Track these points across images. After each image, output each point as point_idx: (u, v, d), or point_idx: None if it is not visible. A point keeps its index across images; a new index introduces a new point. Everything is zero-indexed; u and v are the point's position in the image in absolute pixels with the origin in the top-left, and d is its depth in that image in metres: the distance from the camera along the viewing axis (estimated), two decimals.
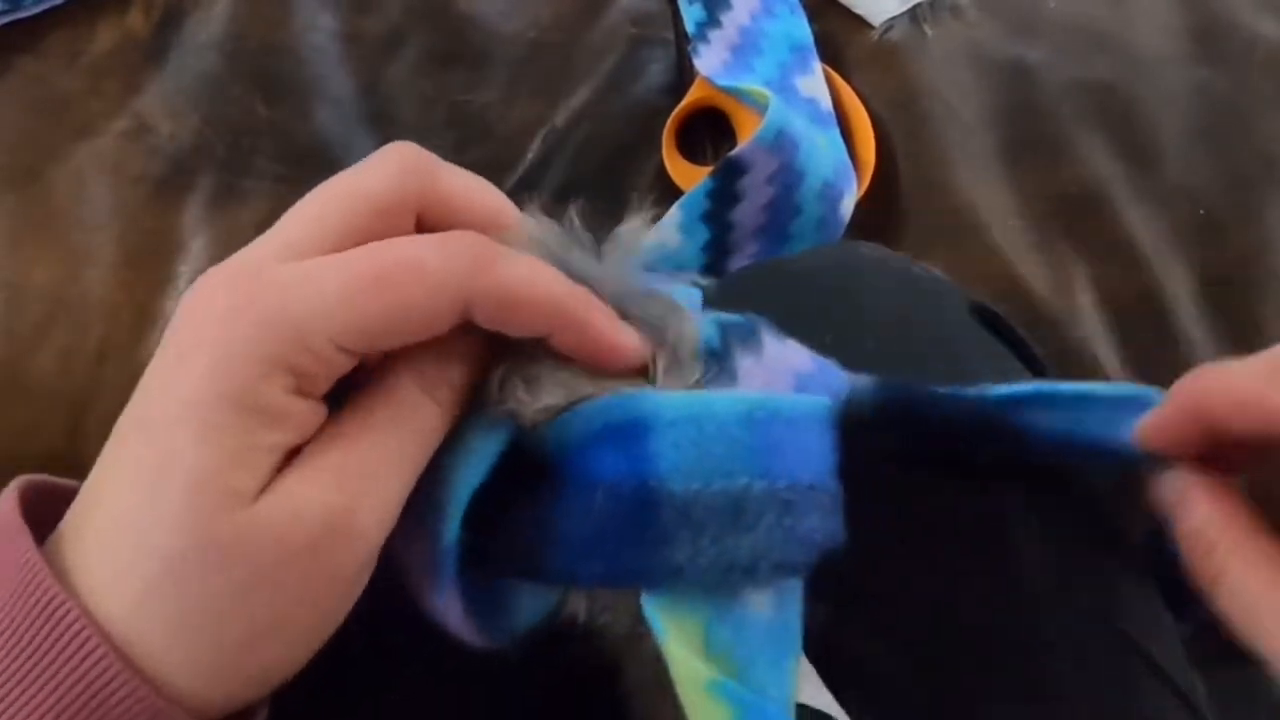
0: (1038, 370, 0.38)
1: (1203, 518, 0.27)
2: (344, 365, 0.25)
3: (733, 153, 0.51)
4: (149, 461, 0.24)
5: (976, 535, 0.32)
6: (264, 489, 0.24)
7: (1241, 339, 0.55)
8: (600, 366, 0.26)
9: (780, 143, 0.51)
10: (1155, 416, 0.28)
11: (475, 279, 0.25)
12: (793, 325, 0.34)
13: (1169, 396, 0.28)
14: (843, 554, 0.26)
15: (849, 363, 0.30)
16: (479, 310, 0.25)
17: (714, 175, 0.52)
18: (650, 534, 0.24)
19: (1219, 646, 0.27)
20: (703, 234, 0.52)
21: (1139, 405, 0.29)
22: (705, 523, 0.24)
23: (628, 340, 0.27)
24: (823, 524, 0.26)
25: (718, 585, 0.25)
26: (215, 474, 0.23)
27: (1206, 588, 0.26)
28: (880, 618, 0.32)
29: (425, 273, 0.24)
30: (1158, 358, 0.54)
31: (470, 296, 0.25)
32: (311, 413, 0.25)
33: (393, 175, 0.26)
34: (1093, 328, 0.54)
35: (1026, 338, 0.39)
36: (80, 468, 0.52)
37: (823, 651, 0.31)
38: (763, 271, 0.42)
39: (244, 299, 0.24)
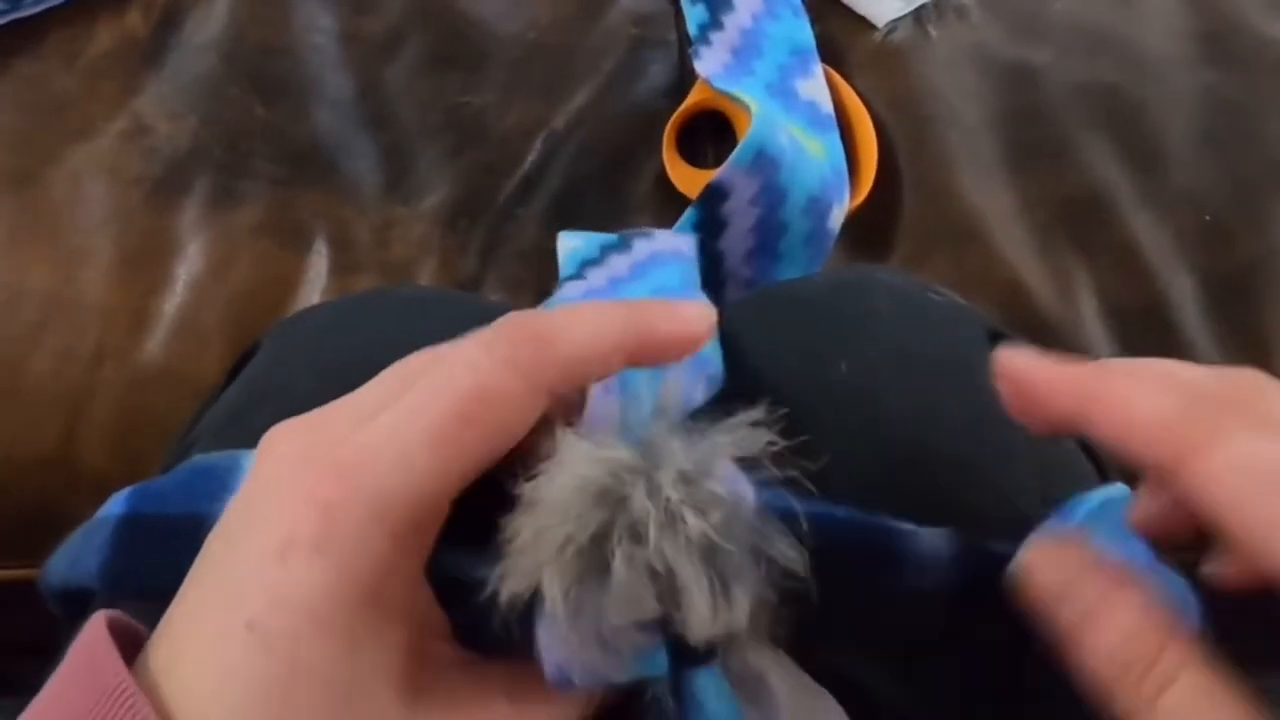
0: None
1: (1136, 617, 0.24)
2: (444, 513, 0.24)
3: (712, 180, 0.51)
4: (266, 676, 0.22)
5: None
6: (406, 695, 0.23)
7: (1247, 346, 0.54)
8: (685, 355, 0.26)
9: (759, 163, 0.51)
10: (1044, 375, 0.26)
11: (544, 370, 0.24)
12: (807, 353, 0.34)
13: (1053, 369, 0.26)
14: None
15: (865, 393, 0.29)
16: (560, 388, 0.24)
17: (697, 205, 0.52)
18: None
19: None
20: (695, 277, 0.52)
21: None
22: None
23: (692, 315, 0.26)
24: None
25: None
26: (356, 688, 0.22)
27: (1142, 697, 0.23)
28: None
29: (497, 391, 0.23)
30: None
31: (547, 385, 0.24)
32: (427, 594, 0.24)
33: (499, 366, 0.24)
34: (1096, 334, 0.54)
35: None
36: (75, 470, 0.52)
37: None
38: (777, 297, 0.41)
39: (338, 486, 0.22)
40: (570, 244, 0.52)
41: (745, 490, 0.23)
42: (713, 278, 0.53)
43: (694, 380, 0.47)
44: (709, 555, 0.22)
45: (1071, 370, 0.25)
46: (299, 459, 0.23)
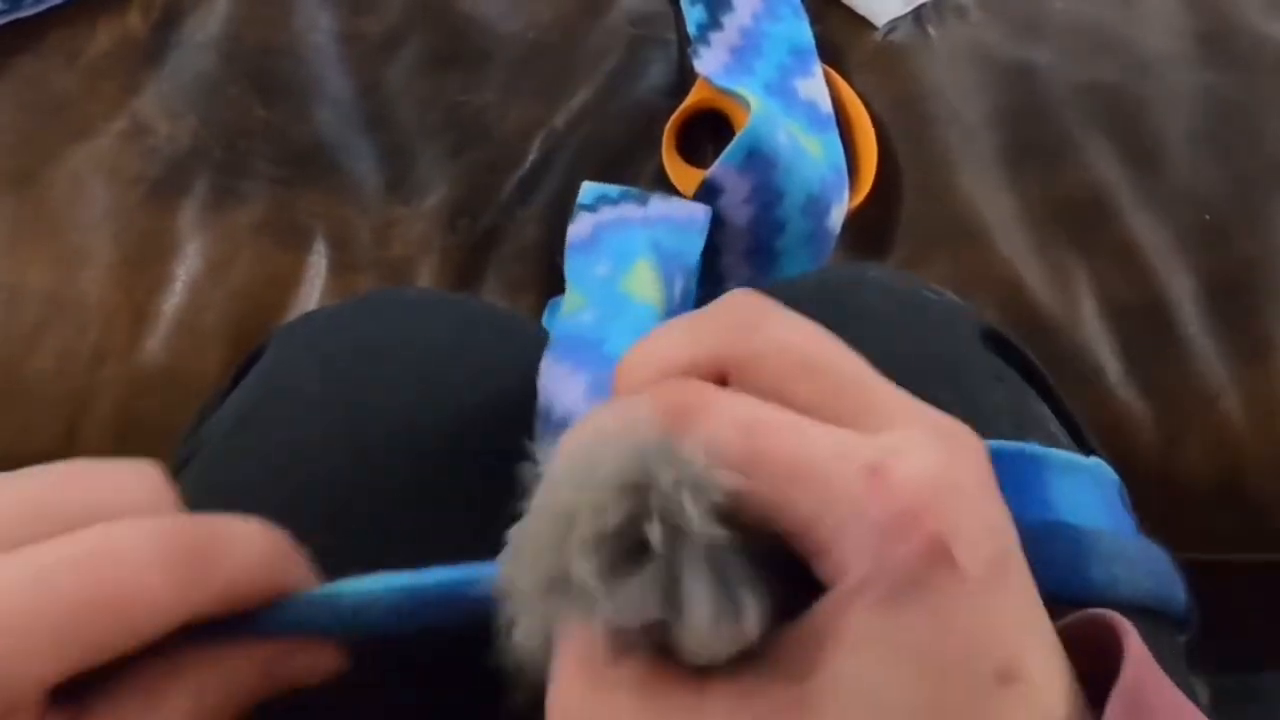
0: (1048, 396, 0.37)
1: None
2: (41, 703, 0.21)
3: (705, 176, 0.52)
4: None
5: None
6: None
7: (1247, 346, 0.54)
8: None
9: (752, 163, 0.51)
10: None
11: (200, 590, 0.22)
12: None
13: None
14: None
15: None
16: (206, 610, 0.23)
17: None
18: None
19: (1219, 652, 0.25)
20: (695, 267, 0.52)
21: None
22: None
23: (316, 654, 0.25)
24: None
25: None
26: None
27: None
28: None
29: (139, 601, 0.21)
30: (1161, 364, 0.54)
31: (197, 605, 0.22)
32: None
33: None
34: (1095, 334, 0.54)
35: (1037, 362, 0.38)
36: None
37: None
38: (770, 294, 0.41)
39: None
40: (592, 187, 0.54)
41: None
42: (710, 275, 0.53)
43: (672, 275, 0.48)
44: (714, 559, 0.21)
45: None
46: None
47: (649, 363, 0.24)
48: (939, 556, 0.20)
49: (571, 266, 0.51)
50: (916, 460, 0.21)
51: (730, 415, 0.22)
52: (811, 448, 0.21)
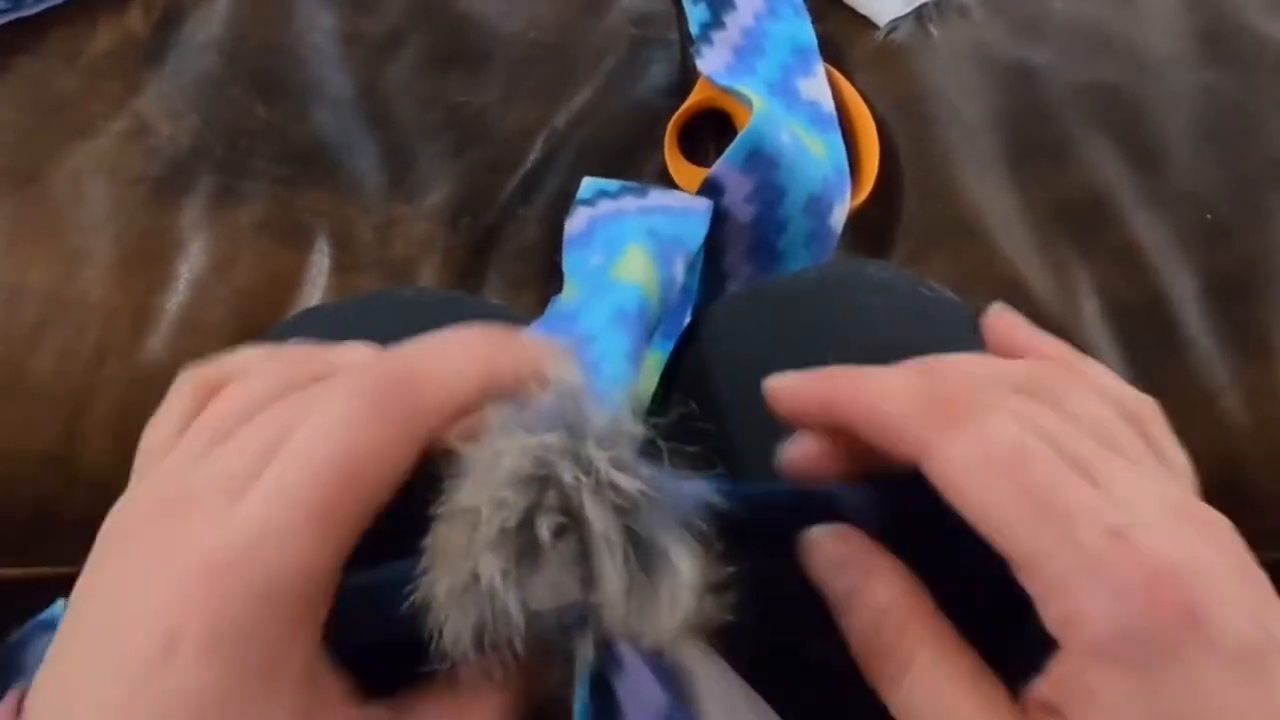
0: None
1: (891, 597, 0.24)
2: (336, 579, 0.23)
3: (708, 175, 0.52)
4: None
5: None
6: None
7: (1247, 345, 0.54)
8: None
9: (754, 162, 0.51)
10: (796, 387, 0.26)
11: (413, 419, 0.23)
12: (795, 348, 0.33)
13: (808, 379, 0.26)
14: None
15: None
16: (430, 433, 0.23)
17: None
18: None
19: None
20: (697, 261, 0.52)
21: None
22: None
23: (540, 354, 0.25)
24: None
25: None
26: None
27: (886, 677, 0.23)
28: None
29: (370, 453, 0.23)
30: (1162, 364, 0.54)
31: (417, 433, 0.23)
32: (322, 664, 0.23)
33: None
34: (1097, 333, 0.54)
35: None
36: (76, 470, 0.52)
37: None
38: (766, 292, 0.41)
39: (221, 578, 0.21)
40: (592, 181, 0.54)
41: (665, 478, 0.22)
42: (713, 274, 0.53)
43: (670, 256, 0.47)
44: (634, 536, 0.21)
45: (830, 373, 0.26)
46: (166, 549, 0.22)
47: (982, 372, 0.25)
48: (1191, 626, 0.20)
49: (569, 261, 0.51)
50: (1164, 535, 0.21)
51: (1010, 420, 0.23)
52: (1069, 484, 0.22)
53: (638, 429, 0.23)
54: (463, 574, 0.21)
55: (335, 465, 0.22)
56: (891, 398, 0.24)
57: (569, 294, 0.49)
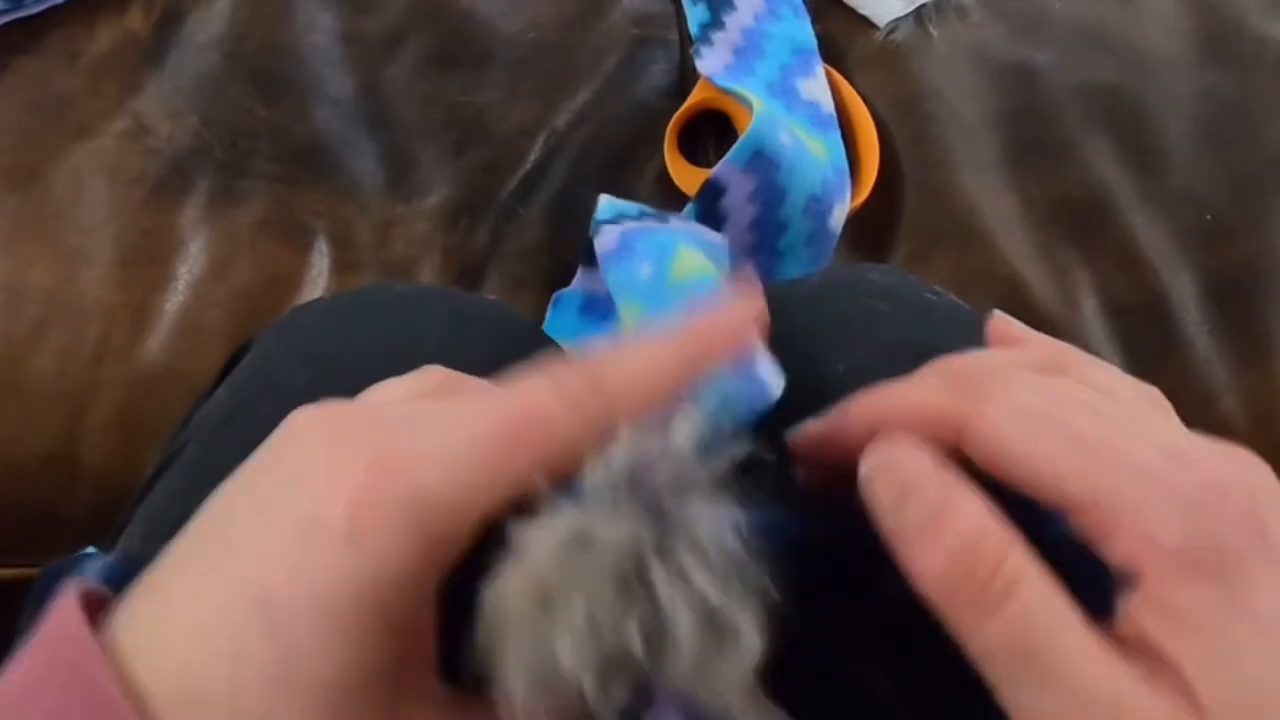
0: None
1: (982, 516, 0.22)
2: (473, 532, 0.23)
3: (709, 175, 0.52)
4: (268, 658, 0.21)
5: None
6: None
7: (1247, 345, 0.54)
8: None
9: (757, 162, 0.51)
10: (821, 430, 0.26)
11: (597, 407, 0.23)
12: (804, 355, 0.34)
13: (828, 419, 0.26)
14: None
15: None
16: (610, 426, 0.24)
17: (695, 201, 0.52)
18: None
19: None
20: None
21: None
22: None
23: (735, 318, 0.26)
24: None
25: None
26: (344, 697, 0.21)
27: (981, 608, 0.21)
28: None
29: (551, 420, 0.23)
30: (1162, 364, 0.54)
31: (598, 421, 0.23)
32: (429, 617, 0.23)
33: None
34: (1096, 334, 0.54)
35: None
36: (76, 469, 0.52)
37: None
38: (771, 299, 0.41)
39: (379, 482, 0.21)
40: (610, 201, 0.52)
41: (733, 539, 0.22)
42: None
43: (723, 260, 0.47)
44: (707, 608, 0.21)
45: (856, 404, 0.26)
46: (342, 443, 0.22)
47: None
48: (1258, 534, 0.20)
49: (612, 279, 0.49)
50: (1215, 454, 0.22)
51: (1039, 382, 0.23)
52: (1110, 425, 0.22)
53: (712, 478, 0.23)
54: (543, 651, 0.21)
55: (514, 418, 0.23)
56: (921, 392, 0.25)
57: (627, 315, 0.48)
